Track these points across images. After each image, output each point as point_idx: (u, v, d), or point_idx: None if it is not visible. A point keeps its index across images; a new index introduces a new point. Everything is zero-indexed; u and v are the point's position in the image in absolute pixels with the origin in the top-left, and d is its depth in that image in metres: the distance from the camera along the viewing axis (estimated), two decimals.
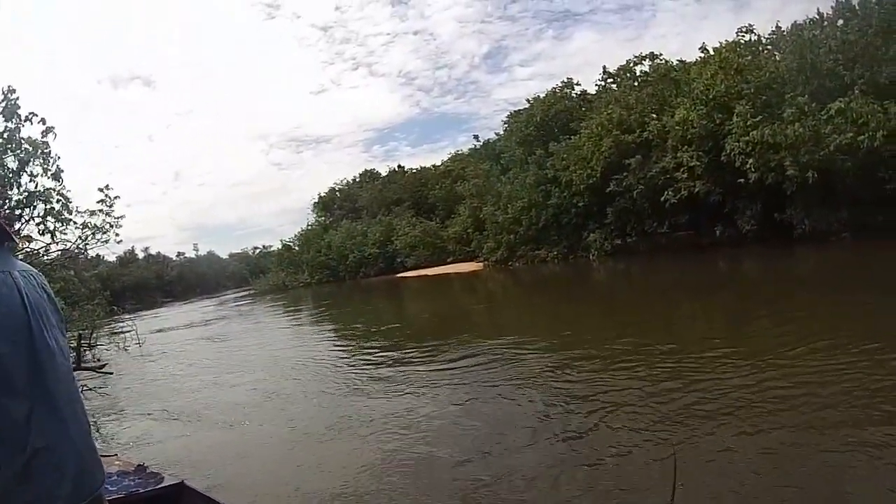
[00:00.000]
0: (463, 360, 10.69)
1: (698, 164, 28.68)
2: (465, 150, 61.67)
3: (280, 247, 77.91)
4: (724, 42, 31.21)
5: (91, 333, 18.59)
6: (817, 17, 28.08)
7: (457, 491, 5.31)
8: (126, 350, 20.63)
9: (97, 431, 8.48)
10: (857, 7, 26.59)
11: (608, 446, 5.80)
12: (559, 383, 8.38)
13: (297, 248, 71.63)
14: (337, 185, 75.66)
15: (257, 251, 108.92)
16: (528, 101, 45.66)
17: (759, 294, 15.21)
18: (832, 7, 27.78)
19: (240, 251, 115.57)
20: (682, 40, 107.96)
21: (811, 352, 7.88)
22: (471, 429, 6.85)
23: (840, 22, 26.81)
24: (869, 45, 24.31)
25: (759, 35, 30.80)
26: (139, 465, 4.34)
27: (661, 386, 7.45)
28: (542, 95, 44.51)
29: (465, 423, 7.06)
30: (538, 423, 6.72)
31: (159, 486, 3.96)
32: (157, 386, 13.50)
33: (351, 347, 15.06)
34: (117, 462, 4.61)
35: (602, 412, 6.77)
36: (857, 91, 23.42)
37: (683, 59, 35.41)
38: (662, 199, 30.20)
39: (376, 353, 13.34)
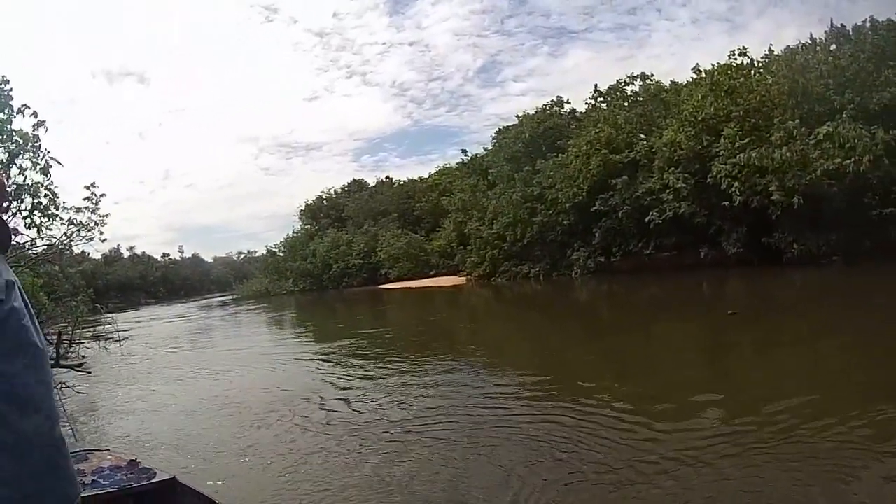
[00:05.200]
0: (439, 378, 10.43)
1: (684, 185, 28.31)
2: (453, 163, 60.71)
3: (265, 252, 77.97)
4: (717, 64, 31.01)
5: (73, 330, 18.67)
6: (810, 41, 27.99)
7: None
8: (107, 350, 20.55)
9: (80, 428, 8.77)
10: (850, 33, 26.45)
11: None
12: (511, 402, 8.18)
13: (281, 254, 71.27)
14: (324, 193, 75.63)
15: (242, 256, 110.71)
16: (517, 117, 45.45)
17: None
18: (826, 32, 27.73)
19: (224, 255, 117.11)
20: (676, 60, 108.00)
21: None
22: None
23: (833, 47, 26.66)
24: (861, 70, 24.07)
25: (752, 58, 30.61)
26: (131, 460, 4.39)
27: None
28: (531, 112, 44.30)
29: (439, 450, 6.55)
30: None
31: (152, 480, 4.03)
32: (137, 384, 13.76)
33: (330, 360, 14.53)
34: (110, 456, 4.62)
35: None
36: (845, 115, 23.06)
37: (676, 80, 35.25)
38: (647, 219, 29.79)
39: (351, 365, 13.16)
